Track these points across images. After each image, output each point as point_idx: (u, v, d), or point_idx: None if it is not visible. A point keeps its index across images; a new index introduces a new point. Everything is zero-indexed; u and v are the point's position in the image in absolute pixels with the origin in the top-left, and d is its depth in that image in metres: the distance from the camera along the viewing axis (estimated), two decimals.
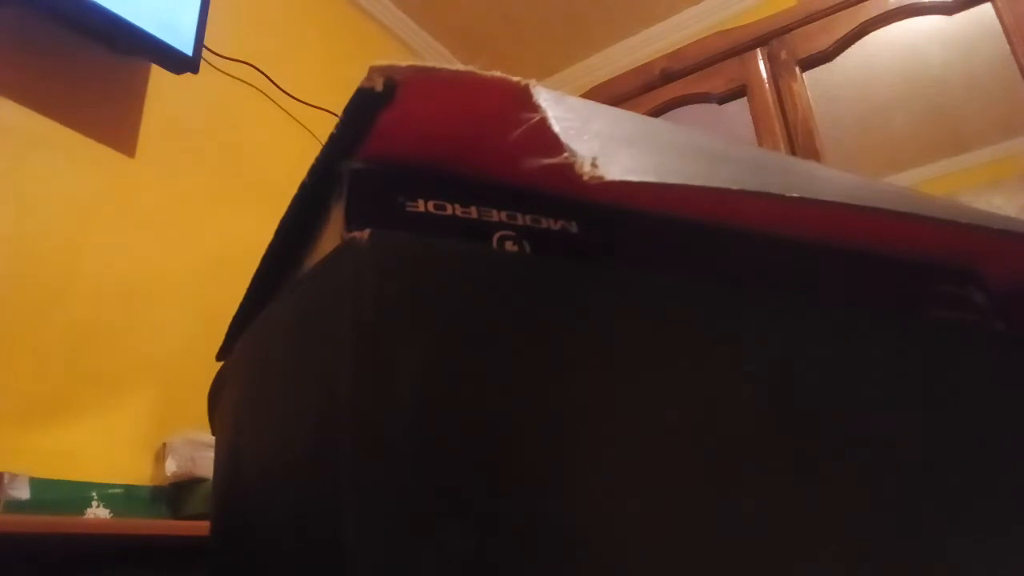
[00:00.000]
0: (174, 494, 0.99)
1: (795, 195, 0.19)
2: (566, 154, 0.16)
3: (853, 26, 1.27)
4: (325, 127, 1.49)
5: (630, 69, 1.57)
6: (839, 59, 1.30)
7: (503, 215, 0.23)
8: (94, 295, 1.05)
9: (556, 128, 0.17)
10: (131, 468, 1.02)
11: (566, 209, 0.24)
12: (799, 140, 1.26)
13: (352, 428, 0.17)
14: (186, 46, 1.15)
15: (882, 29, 1.26)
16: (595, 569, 0.18)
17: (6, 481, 0.81)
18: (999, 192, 1.23)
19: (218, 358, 0.33)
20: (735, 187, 0.18)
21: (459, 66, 0.19)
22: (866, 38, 1.28)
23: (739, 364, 0.21)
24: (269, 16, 1.54)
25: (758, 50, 1.37)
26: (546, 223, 0.23)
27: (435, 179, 0.23)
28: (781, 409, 0.21)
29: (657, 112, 1.46)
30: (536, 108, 0.18)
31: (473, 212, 0.23)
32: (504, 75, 0.19)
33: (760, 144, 1.29)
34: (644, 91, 1.49)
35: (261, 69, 1.44)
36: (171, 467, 0.98)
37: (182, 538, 0.79)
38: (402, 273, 0.19)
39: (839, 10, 1.29)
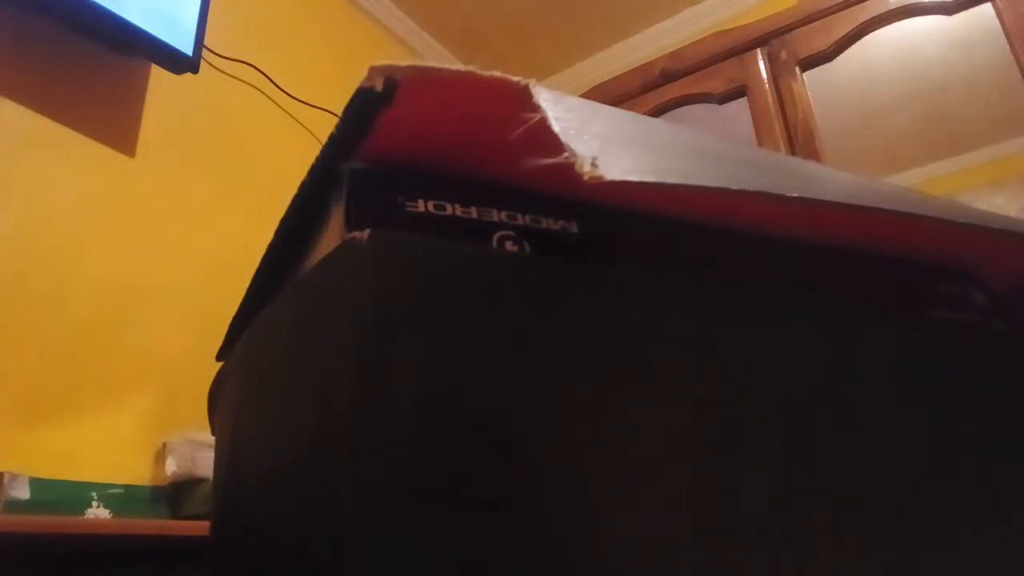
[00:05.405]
0: (174, 494, 0.99)
1: (795, 195, 0.19)
2: (566, 154, 0.16)
3: (853, 26, 1.27)
4: (325, 127, 1.49)
5: (630, 69, 1.57)
6: (839, 59, 1.30)
7: (503, 215, 0.23)
8: (94, 295, 1.05)
9: (556, 128, 0.17)
10: (131, 468, 1.02)
11: (566, 209, 0.24)
12: (799, 140, 1.26)
13: (352, 428, 0.17)
14: (186, 46, 1.15)
15: (882, 29, 1.26)
16: (594, 570, 0.18)
17: (6, 481, 0.81)
18: (999, 192, 1.23)
19: (218, 358, 0.33)
20: (735, 187, 0.18)
21: (459, 66, 0.19)
22: (866, 38, 1.28)
23: (739, 364, 0.21)
24: (269, 16, 1.54)
25: (758, 50, 1.37)
26: (546, 223, 0.23)
27: (435, 179, 0.23)
28: (781, 409, 0.21)
29: (657, 112, 1.46)
30: (536, 108, 0.18)
31: (473, 212, 0.23)
32: (504, 75, 0.19)
33: (760, 144, 1.29)
34: (644, 91, 1.49)
35: (261, 69, 1.44)
36: (171, 467, 0.98)
37: (182, 538, 0.79)
38: (402, 273, 0.19)
39: (839, 10, 1.29)
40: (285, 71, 1.49)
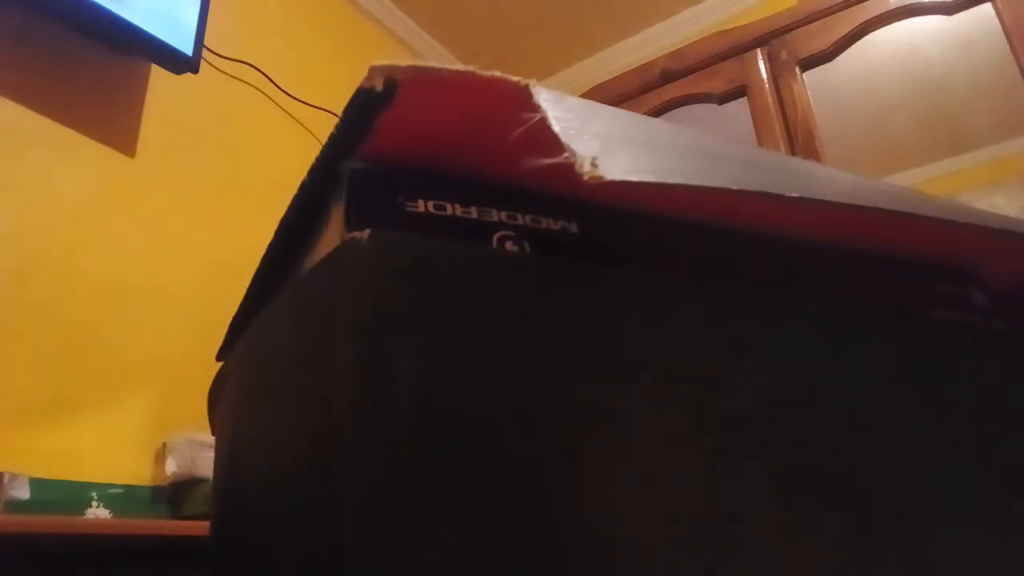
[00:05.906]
0: (174, 494, 0.99)
1: (795, 195, 0.19)
2: (566, 154, 0.16)
3: (853, 26, 1.27)
4: (325, 127, 1.49)
5: (630, 69, 1.57)
6: (839, 59, 1.30)
7: (503, 215, 0.23)
8: (94, 295, 1.05)
9: (556, 128, 0.17)
10: (131, 468, 1.02)
11: (566, 209, 0.24)
12: (799, 140, 1.26)
13: (351, 428, 0.17)
14: (186, 46, 1.15)
15: (882, 29, 1.26)
16: (594, 570, 0.18)
17: (6, 481, 0.81)
18: (999, 192, 1.23)
19: (218, 358, 0.33)
20: (735, 187, 0.18)
21: (459, 66, 0.19)
22: (866, 38, 1.28)
23: (739, 364, 0.21)
24: (269, 16, 1.54)
25: (758, 50, 1.37)
26: (546, 223, 0.23)
27: (435, 179, 0.23)
28: (781, 409, 0.21)
29: (657, 112, 1.46)
30: (536, 108, 0.18)
31: (473, 212, 0.23)
32: (504, 75, 0.19)
33: (760, 144, 1.29)
34: (644, 91, 1.49)
35: (261, 69, 1.44)
36: (171, 467, 0.98)
37: (182, 538, 0.79)
38: (402, 273, 0.19)
39: (839, 10, 1.29)
40: (285, 71, 1.49)
